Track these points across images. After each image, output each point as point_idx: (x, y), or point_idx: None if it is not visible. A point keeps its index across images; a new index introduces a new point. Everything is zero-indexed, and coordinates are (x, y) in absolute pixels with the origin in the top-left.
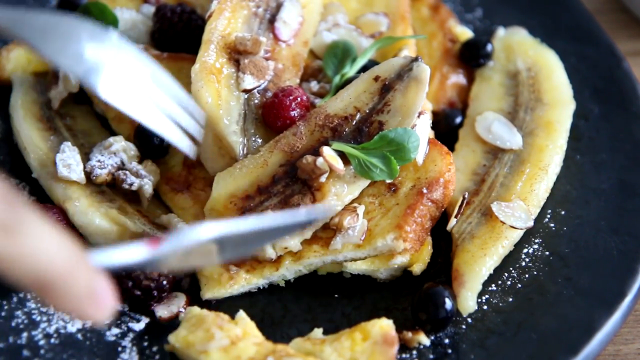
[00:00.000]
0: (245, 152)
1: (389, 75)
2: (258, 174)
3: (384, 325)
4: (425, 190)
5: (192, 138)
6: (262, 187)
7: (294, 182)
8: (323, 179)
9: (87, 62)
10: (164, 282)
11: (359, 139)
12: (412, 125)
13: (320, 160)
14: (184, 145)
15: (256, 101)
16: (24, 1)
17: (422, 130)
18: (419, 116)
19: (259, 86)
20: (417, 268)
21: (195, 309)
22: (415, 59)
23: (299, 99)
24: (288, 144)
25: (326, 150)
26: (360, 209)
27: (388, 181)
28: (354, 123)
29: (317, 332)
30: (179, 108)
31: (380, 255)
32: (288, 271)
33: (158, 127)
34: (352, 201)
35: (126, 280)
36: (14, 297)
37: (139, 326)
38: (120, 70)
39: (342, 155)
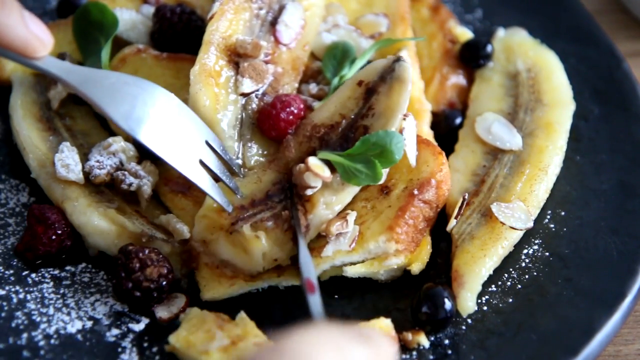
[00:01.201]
0: (240, 156)
1: (372, 78)
2: (252, 189)
3: (384, 326)
4: (416, 192)
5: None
6: (256, 200)
7: (286, 198)
8: (314, 190)
9: (147, 123)
10: (164, 283)
11: (345, 146)
12: (400, 129)
13: (307, 174)
14: (218, 197)
15: (254, 105)
16: (22, 1)
17: (410, 132)
18: (404, 118)
19: (257, 90)
20: (416, 268)
21: (196, 310)
22: (397, 59)
23: (295, 111)
24: (281, 164)
25: (311, 160)
26: (351, 216)
27: (380, 184)
28: (339, 130)
29: None
30: (221, 166)
31: (376, 257)
32: (286, 281)
33: (197, 180)
34: (346, 207)
35: (126, 282)
36: (13, 297)
37: (139, 327)
38: (173, 128)
39: (330, 163)
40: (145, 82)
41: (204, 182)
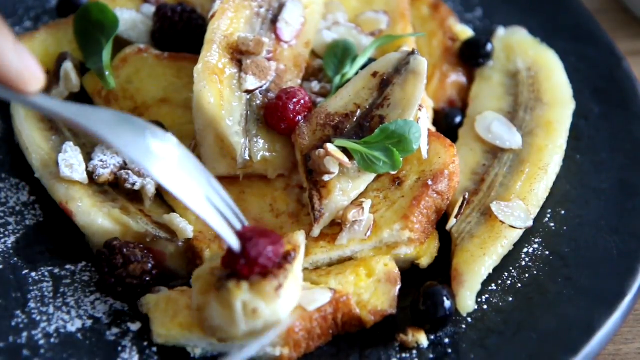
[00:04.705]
0: (247, 153)
1: (386, 70)
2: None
3: (388, 263)
4: (430, 182)
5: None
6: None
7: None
8: (332, 176)
9: (153, 155)
10: (147, 279)
11: (360, 135)
12: (416, 119)
13: (327, 159)
14: (229, 236)
15: (258, 102)
16: (22, 0)
17: (423, 123)
18: (420, 109)
19: (261, 87)
20: (425, 262)
21: (150, 297)
22: (412, 53)
23: (302, 101)
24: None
25: (330, 147)
26: (367, 204)
27: (392, 173)
28: (354, 119)
29: None
30: (226, 207)
31: (385, 247)
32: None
33: (207, 216)
34: (359, 197)
35: (109, 277)
36: (13, 296)
37: (138, 326)
38: (178, 164)
39: (346, 151)
40: (141, 120)
41: (213, 218)
